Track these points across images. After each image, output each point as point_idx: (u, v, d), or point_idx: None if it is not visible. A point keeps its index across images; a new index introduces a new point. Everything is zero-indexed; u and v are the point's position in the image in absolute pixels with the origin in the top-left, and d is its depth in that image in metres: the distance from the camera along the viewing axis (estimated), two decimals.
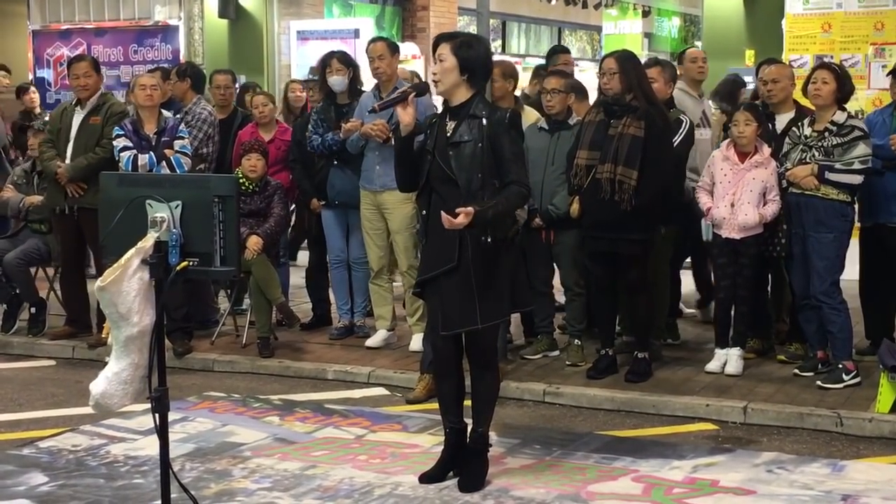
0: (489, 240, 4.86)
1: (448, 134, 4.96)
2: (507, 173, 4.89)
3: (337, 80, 7.60)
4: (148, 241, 4.07)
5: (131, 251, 4.05)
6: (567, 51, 9.84)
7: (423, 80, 9.32)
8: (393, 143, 6.25)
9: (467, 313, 4.90)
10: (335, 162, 7.60)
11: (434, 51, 5.03)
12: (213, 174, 7.67)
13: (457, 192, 4.87)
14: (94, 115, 7.74)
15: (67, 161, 7.72)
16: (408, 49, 13.80)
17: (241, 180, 7.63)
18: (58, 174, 7.67)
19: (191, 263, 4.11)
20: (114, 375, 4.13)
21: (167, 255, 4.08)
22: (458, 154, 4.91)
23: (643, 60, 7.12)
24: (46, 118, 9.77)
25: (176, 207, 4.11)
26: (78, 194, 7.63)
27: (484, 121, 4.90)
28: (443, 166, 4.94)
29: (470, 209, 4.73)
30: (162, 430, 4.14)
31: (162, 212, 4.10)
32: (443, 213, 4.76)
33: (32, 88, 11.82)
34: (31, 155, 8.84)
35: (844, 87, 6.43)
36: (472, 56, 4.93)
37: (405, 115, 5.01)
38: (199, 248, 4.12)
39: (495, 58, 6.10)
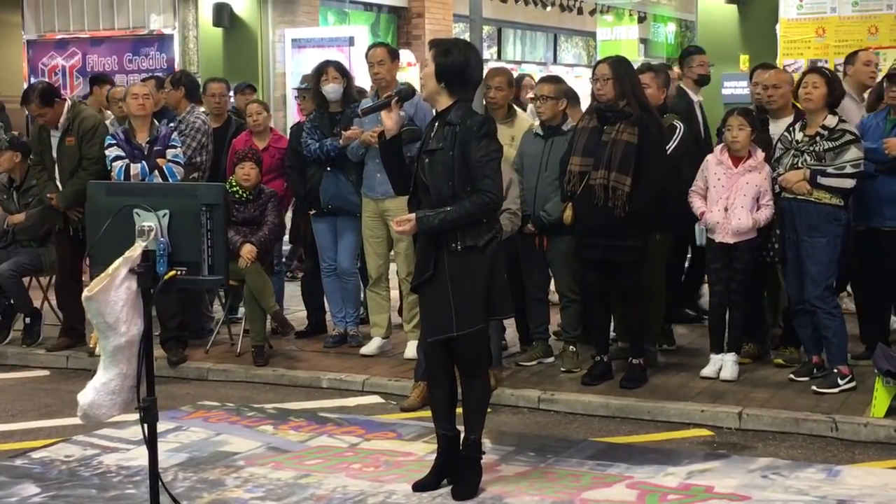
0: (459, 247, 4.86)
1: (429, 141, 4.99)
2: (473, 181, 4.85)
3: (332, 88, 7.61)
4: (136, 251, 4.07)
5: (119, 260, 4.05)
6: (702, 51, 8.63)
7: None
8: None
9: (444, 321, 4.90)
10: (328, 168, 7.61)
11: None
12: (201, 182, 7.68)
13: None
14: (68, 136, 7.85)
15: (59, 183, 7.85)
16: (403, 56, 13.76)
17: (234, 189, 7.63)
18: (53, 205, 7.83)
19: (178, 272, 4.10)
20: (102, 386, 4.12)
21: (155, 264, 4.07)
22: (431, 162, 4.92)
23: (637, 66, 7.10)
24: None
25: (164, 216, 4.12)
26: (77, 217, 7.70)
27: (457, 128, 4.88)
28: (420, 174, 4.96)
29: (412, 215, 4.85)
30: (151, 441, 4.13)
31: (149, 221, 4.10)
32: (394, 219, 4.98)
33: None
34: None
35: (835, 91, 6.43)
36: (448, 63, 4.91)
37: (388, 120, 5.04)
38: (187, 257, 4.13)
39: (494, 65, 6.09)
